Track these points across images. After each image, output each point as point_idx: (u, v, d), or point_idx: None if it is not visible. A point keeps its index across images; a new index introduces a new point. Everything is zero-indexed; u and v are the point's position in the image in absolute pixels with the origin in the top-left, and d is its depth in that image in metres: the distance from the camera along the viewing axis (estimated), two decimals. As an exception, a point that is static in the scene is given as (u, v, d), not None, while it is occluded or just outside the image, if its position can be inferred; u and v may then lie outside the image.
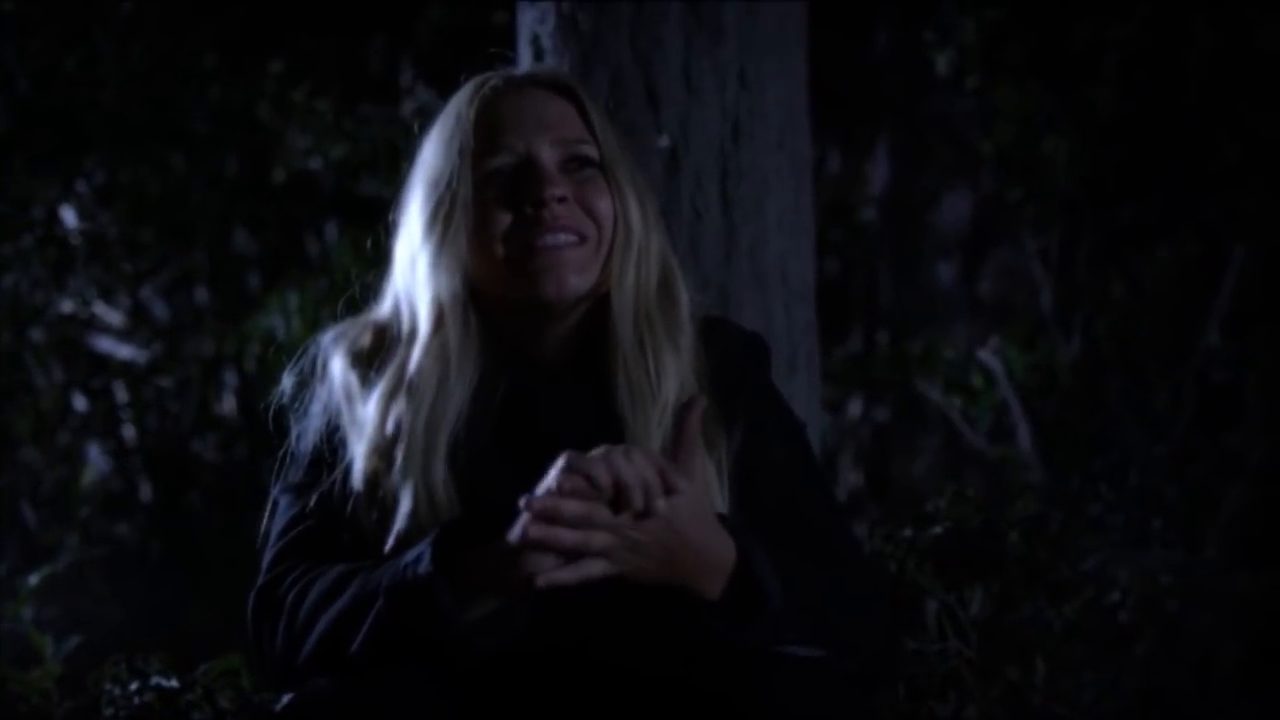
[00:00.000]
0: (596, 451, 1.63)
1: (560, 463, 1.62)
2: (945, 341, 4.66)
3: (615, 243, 1.82)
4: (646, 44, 2.70)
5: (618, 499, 1.61)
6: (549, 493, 1.61)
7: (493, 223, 1.80)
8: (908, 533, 2.67)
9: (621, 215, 1.82)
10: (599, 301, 1.83)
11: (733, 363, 1.87)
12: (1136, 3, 4.05)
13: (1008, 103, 4.13)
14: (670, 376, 1.80)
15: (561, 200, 1.80)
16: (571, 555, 1.62)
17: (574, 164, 1.83)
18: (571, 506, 1.60)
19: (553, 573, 1.61)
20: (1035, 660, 2.64)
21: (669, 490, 1.62)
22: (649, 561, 1.64)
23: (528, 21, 2.78)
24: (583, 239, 1.81)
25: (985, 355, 4.20)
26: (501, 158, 1.82)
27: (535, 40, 2.75)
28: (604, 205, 1.82)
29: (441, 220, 1.81)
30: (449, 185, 1.81)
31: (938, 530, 2.66)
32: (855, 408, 5.46)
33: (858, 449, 5.49)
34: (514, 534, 1.61)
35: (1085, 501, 3.60)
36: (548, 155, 1.82)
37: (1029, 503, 2.69)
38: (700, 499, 1.67)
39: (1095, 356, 4.15)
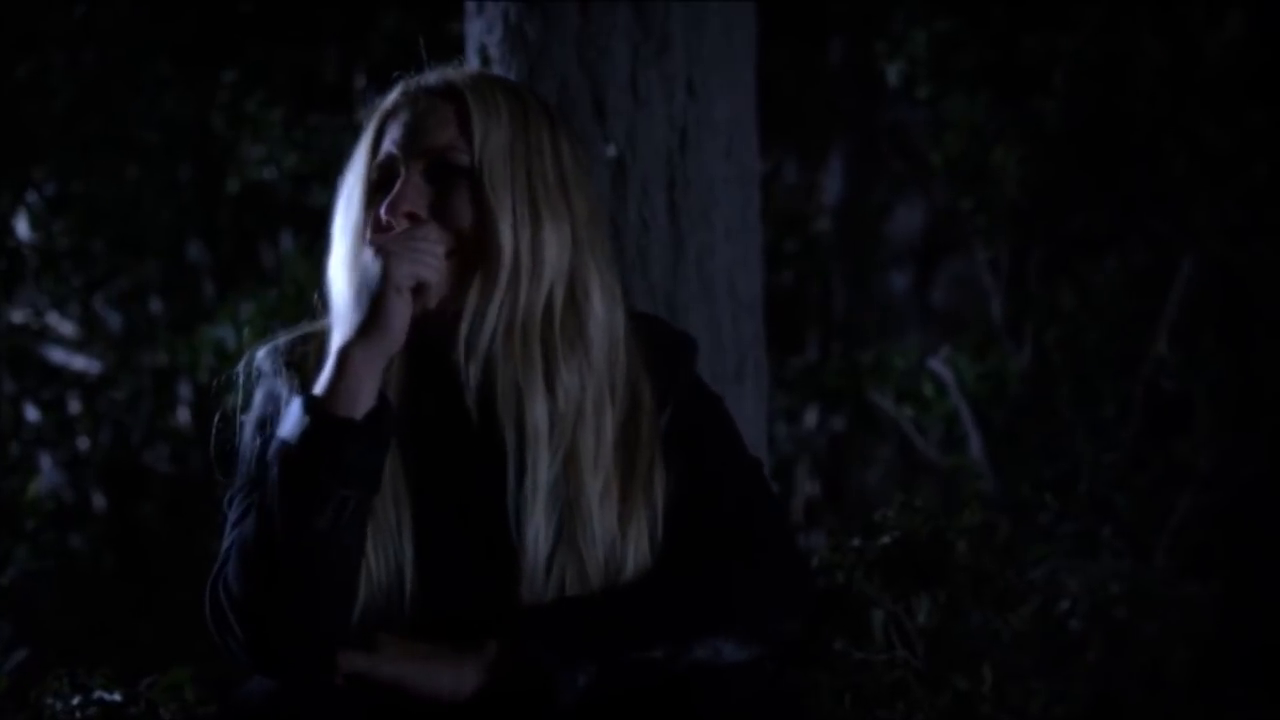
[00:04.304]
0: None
1: None
2: (897, 351, 4.68)
3: (479, 256, 1.75)
4: (593, 54, 2.70)
5: None
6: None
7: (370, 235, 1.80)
8: (856, 542, 2.67)
9: (490, 230, 1.75)
10: None
11: (664, 356, 1.86)
12: (1085, 15, 4.07)
13: (957, 113, 4.14)
14: (576, 375, 1.78)
15: (410, 216, 1.75)
16: None
17: (441, 171, 1.77)
18: None
19: None
20: (983, 669, 2.64)
21: None
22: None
23: (475, 31, 2.77)
24: (446, 252, 1.76)
25: (936, 364, 4.22)
26: (380, 172, 1.79)
27: (483, 50, 2.75)
28: (465, 216, 1.76)
29: (348, 228, 1.80)
30: (350, 194, 1.81)
31: (885, 540, 2.66)
32: (812, 417, 5.46)
33: (814, 458, 5.49)
34: None
35: (1035, 510, 3.61)
36: (413, 166, 1.77)
37: (975, 511, 2.69)
38: None
39: (1045, 366, 4.16)
